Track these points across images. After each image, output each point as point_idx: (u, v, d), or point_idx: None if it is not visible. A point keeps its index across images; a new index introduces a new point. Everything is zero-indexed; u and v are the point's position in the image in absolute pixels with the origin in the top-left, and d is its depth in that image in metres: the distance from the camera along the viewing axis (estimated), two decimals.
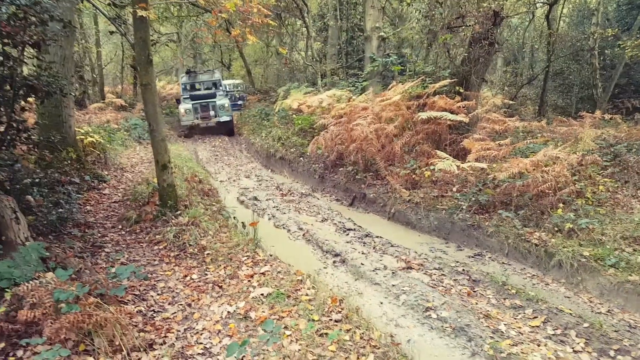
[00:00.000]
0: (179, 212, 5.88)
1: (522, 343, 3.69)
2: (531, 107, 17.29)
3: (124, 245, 5.35)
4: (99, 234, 5.60)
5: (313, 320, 3.60)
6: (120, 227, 5.98)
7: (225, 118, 15.06)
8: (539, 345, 3.69)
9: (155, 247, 5.25)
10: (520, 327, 3.98)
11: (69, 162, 7.39)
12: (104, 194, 7.43)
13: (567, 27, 17.54)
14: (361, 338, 3.37)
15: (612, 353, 3.59)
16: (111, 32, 7.23)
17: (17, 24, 4.99)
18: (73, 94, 8.88)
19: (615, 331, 3.87)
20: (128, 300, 4.02)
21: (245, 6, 6.18)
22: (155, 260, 4.93)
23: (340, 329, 3.40)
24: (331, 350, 3.24)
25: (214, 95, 15.36)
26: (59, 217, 5.23)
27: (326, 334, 3.39)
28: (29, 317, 3.11)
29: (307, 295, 3.97)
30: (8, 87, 5.21)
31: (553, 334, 3.89)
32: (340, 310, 3.73)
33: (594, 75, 14.84)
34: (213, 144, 14.73)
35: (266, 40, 23.34)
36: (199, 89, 16.12)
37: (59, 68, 7.25)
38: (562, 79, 16.77)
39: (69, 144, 7.65)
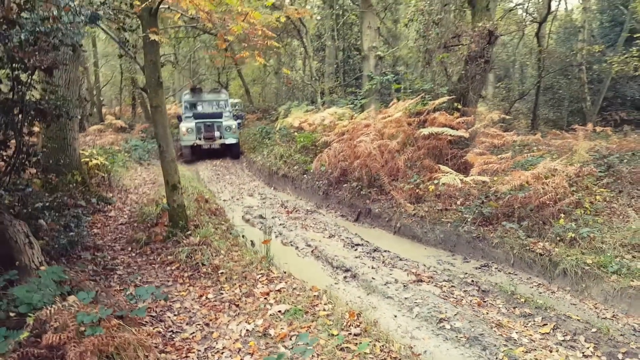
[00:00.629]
0: (189, 232, 5.95)
1: (535, 350, 3.79)
2: (524, 121, 17.66)
3: (135, 267, 5.39)
4: (110, 257, 5.65)
5: (332, 334, 3.67)
6: (130, 249, 6.03)
7: (231, 140, 14.13)
8: (550, 352, 3.79)
9: (168, 268, 5.31)
10: (531, 335, 4.07)
11: (75, 185, 7.44)
12: (110, 216, 7.48)
13: (555, 44, 18.05)
14: (381, 350, 3.45)
15: (620, 356, 3.70)
16: (120, 56, 7.40)
17: (29, 49, 5.12)
18: (78, 117, 8.99)
19: (621, 335, 3.98)
20: (146, 322, 4.07)
21: (251, 29, 6.37)
22: (169, 281, 4.98)
23: (367, 341, 3.47)
24: None
25: (219, 115, 14.48)
26: (69, 240, 5.27)
27: (347, 347, 3.46)
28: (54, 341, 3.15)
29: (324, 310, 4.05)
30: (17, 111, 5.31)
31: (563, 340, 3.99)
32: (358, 324, 3.81)
33: (583, 90, 15.28)
34: (214, 162, 14.83)
35: (265, 60, 23.72)
36: (203, 108, 15.27)
37: (64, 91, 7.38)
38: (553, 93, 17.21)
39: (74, 166, 7.72)
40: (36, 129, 6.73)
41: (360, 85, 14.87)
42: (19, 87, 5.20)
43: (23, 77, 5.36)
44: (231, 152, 14.57)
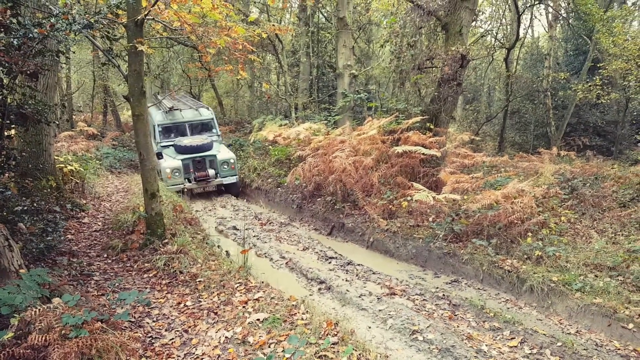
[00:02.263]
0: (166, 240, 5.94)
1: None
2: (491, 143, 18.34)
3: (112, 274, 5.35)
4: (86, 263, 5.58)
5: (310, 343, 3.77)
6: (105, 255, 5.97)
7: (230, 179, 11.07)
8: None
9: (145, 275, 5.29)
10: (500, 347, 4.28)
11: (49, 190, 7.30)
12: (84, 223, 7.36)
13: (522, 70, 18.92)
14: (358, 359, 3.57)
15: None
16: (103, 64, 7.35)
17: (14, 53, 5.09)
18: (56, 122, 8.84)
19: (585, 349, 4.23)
20: (125, 327, 4.06)
21: (232, 42, 6.51)
22: (146, 288, 4.97)
23: (350, 347, 3.58)
24: None
25: (209, 146, 11.09)
26: (46, 245, 5.21)
27: (325, 355, 3.57)
28: (38, 342, 3.14)
29: (302, 319, 4.15)
30: None
31: (530, 353, 4.21)
32: (336, 333, 3.92)
33: (548, 115, 16.05)
34: None
35: (244, 73, 23.79)
36: (183, 133, 11.55)
37: (42, 97, 7.28)
38: (519, 117, 17.98)
39: (48, 172, 7.58)
40: (13, 132, 6.62)
41: (334, 102, 15.19)
42: (1, 90, 5.16)
43: (5, 81, 5.33)
44: (230, 192, 11.54)
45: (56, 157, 8.30)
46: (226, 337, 4.00)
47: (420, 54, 10.33)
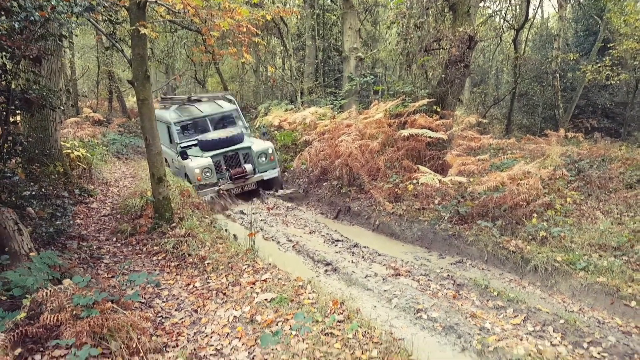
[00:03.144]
0: (174, 224, 6.03)
1: (507, 338, 4.04)
2: (498, 126, 18.20)
3: (121, 257, 5.46)
4: (95, 247, 5.69)
5: (317, 321, 3.85)
6: (114, 239, 6.07)
7: (271, 173, 9.49)
8: (521, 340, 4.05)
9: (154, 258, 5.39)
10: (503, 325, 4.34)
11: (57, 176, 7.41)
12: (92, 208, 7.48)
13: (531, 51, 18.65)
14: (363, 336, 3.64)
15: (585, 345, 3.98)
16: (106, 48, 7.39)
17: (17, 38, 5.12)
18: (61, 108, 8.90)
19: (587, 326, 4.28)
20: (136, 307, 4.16)
21: (236, 25, 6.48)
22: (156, 270, 5.07)
23: (356, 323, 3.66)
24: (337, 348, 3.49)
25: (240, 138, 9.49)
26: (56, 229, 5.31)
27: (331, 333, 3.65)
28: (50, 321, 3.24)
29: (309, 299, 4.22)
30: (3, 100, 5.30)
31: (533, 330, 4.26)
32: (341, 312, 4.00)
33: (556, 97, 15.86)
34: None
35: (250, 56, 23.68)
36: (204, 129, 9.81)
37: (46, 82, 7.33)
38: (527, 99, 17.80)
39: (55, 157, 7.68)
40: (18, 118, 6.69)
41: (340, 86, 15.11)
42: (5, 75, 5.20)
43: (8, 66, 5.37)
44: (272, 188, 9.87)
45: (63, 143, 8.39)
46: (235, 316, 4.09)
47: (428, 35, 10.21)
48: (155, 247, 5.58)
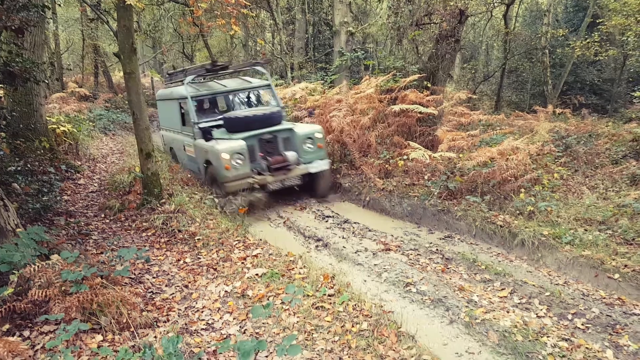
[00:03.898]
0: (163, 200, 5.99)
1: (494, 311, 4.14)
2: (488, 103, 18.20)
3: (110, 233, 5.42)
4: (83, 223, 5.64)
5: (307, 295, 3.89)
6: (103, 215, 6.02)
7: (320, 165, 7.38)
8: (507, 312, 4.14)
9: (144, 234, 5.36)
10: (490, 298, 4.42)
11: (42, 151, 7.28)
12: (80, 184, 7.39)
13: (521, 27, 18.54)
14: (354, 309, 3.70)
15: (570, 316, 4.08)
16: (91, 20, 7.17)
17: None
18: (46, 82, 8.68)
19: (572, 299, 4.38)
20: (125, 283, 4.15)
21: None
22: (145, 246, 5.05)
23: (346, 295, 3.70)
24: (327, 321, 3.54)
25: (279, 117, 7.57)
26: (43, 205, 5.24)
27: (322, 306, 3.69)
28: (39, 297, 3.22)
29: (300, 274, 4.26)
30: None
31: (519, 303, 4.35)
32: (332, 286, 4.04)
33: (545, 73, 15.86)
34: None
35: (238, 28, 23.22)
36: (227, 107, 8.42)
37: (30, 55, 7.12)
38: (516, 76, 17.79)
39: (41, 133, 7.53)
40: (1, 92, 6.52)
41: (330, 61, 14.91)
42: None
43: None
44: (319, 186, 7.72)
45: (48, 119, 8.21)
46: (226, 291, 4.11)
47: (419, 9, 10.08)
48: (144, 224, 5.54)
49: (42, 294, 3.21)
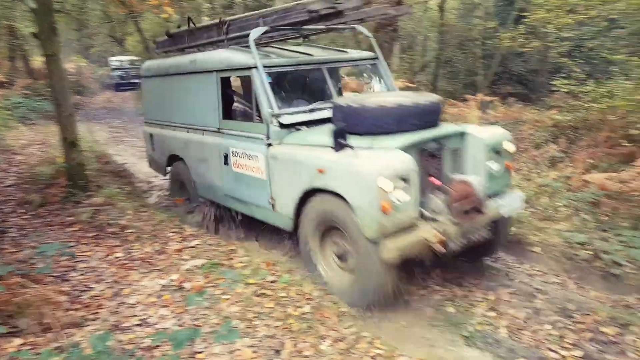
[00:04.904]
0: (91, 192, 5.62)
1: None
2: (425, 91, 18.75)
3: (31, 230, 4.99)
4: None
5: (248, 283, 3.79)
6: (22, 211, 5.54)
7: (512, 202, 4.06)
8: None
9: (69, 229, 4.99)
10: None
11: None
12: None
13: (455, 19, 19.25)
14: (297, 294, 3.67)
15: (496, 289, 4.31)
16: None
17: None
18: None
19: (497, 271, 4.63)
20: (49, 281, 3.84)
21: None
22: (70, 242, 4.69)
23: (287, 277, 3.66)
24: (269, 307, 3.48)
25: (437, 112, 3.93)
26: None
27: (264, 293, 3.62)
28: None
29: (241, 262, 4.15)
30: None
31: (452, 278, 4.52)
32: (274, 272, 3.98)
33: (477, 64, 16.62)
34: (111, 124, 13.85)
35: (164, 13, 22.18)
36: (321, 92, 5.17)
37: None
38: (451, 66, 18.48)
39: None
40: None
41: None
42: None
43: None
44: (497, 239, 4.32)
45: None
46: (161, 285, 3.91)
47: None
48: (69, 218, 5.16)
49: None
